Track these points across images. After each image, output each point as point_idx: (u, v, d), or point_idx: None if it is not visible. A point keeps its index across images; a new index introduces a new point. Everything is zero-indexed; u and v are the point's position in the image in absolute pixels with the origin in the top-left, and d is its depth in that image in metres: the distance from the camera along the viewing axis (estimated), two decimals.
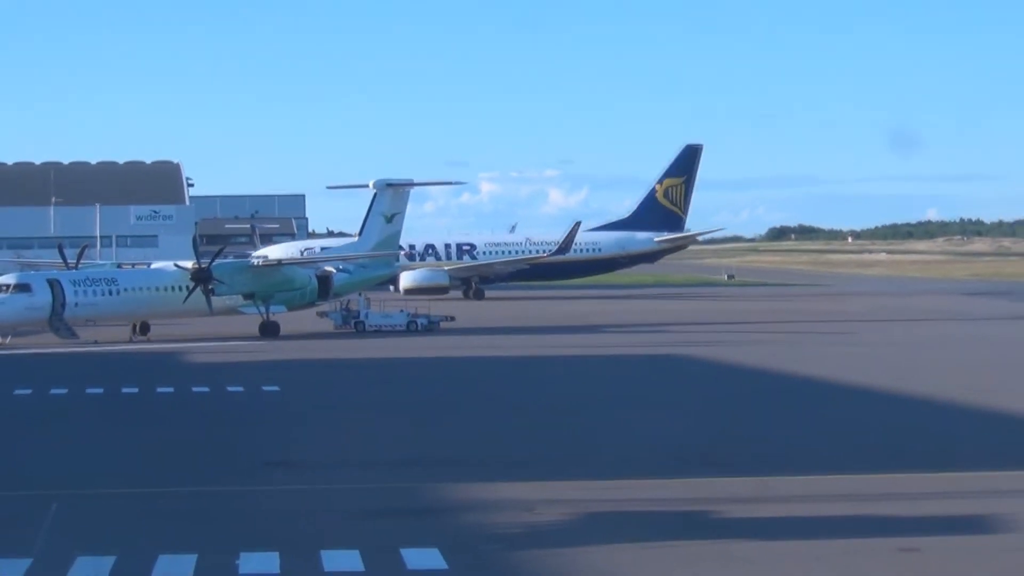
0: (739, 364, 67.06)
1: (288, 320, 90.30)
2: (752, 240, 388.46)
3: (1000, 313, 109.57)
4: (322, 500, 32.63)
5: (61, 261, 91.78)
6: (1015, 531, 28.09)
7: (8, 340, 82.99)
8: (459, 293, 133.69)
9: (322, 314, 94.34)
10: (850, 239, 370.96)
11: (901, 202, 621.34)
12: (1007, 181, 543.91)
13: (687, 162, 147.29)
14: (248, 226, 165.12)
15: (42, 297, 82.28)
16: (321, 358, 74.05)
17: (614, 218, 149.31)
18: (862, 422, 46.67)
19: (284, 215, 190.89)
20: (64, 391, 57.34)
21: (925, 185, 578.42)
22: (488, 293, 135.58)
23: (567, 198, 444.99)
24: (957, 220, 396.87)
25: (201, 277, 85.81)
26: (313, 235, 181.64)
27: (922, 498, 32.11)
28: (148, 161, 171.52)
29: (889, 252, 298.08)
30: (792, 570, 25.18)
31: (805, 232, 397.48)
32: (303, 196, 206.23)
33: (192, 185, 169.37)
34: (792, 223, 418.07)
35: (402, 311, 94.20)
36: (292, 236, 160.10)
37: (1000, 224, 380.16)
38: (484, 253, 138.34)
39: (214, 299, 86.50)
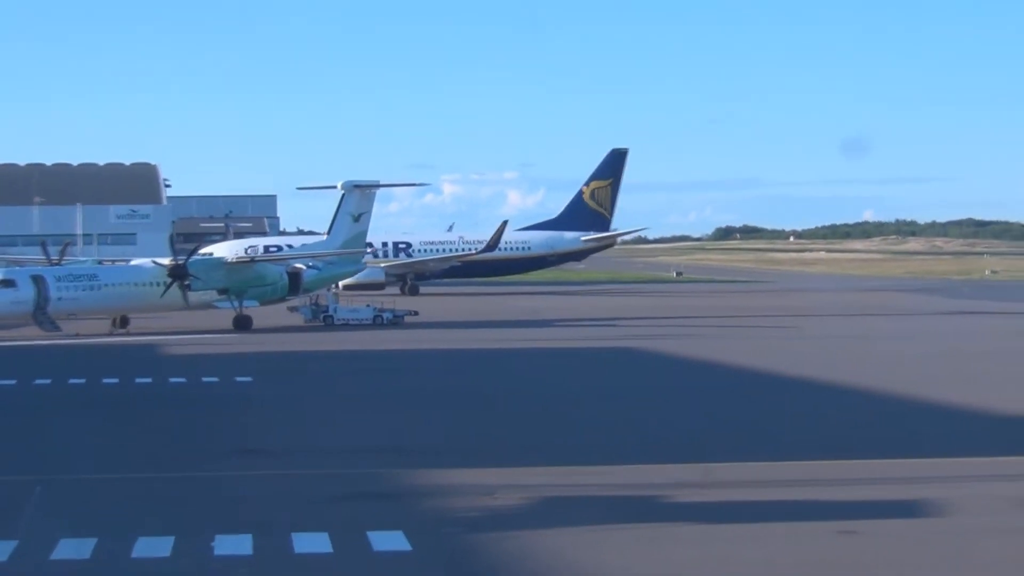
0: (688, 356, 67.21)
1: (260, 314, 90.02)
2: (700, 239, 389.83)
3: (933, 308, 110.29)
4: (293, 485, 32.57)
5: (44, 258, 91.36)
6: (946, 515, 28.26)
7: None
8: (396, 289, 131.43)
9: (292, 309, 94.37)
10: (792, 239, 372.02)
11: (840, 204, 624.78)
12: (941, 184, 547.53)
13: (613, 165, 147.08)
14: (223, 225, 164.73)
15: (26, 292, 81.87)
16: (292, 350, 73.93)
17: (544, 219, 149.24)
18: (804, 411, 46.82)
19: (257, 214, 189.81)
20: (47, 381, 57.04)
21: (863, 188, 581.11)
22: (422, 289, 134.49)
23: (525, 199, 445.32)
24: (893, 221, 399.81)
25: (178, 273, 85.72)
26: (284, 233, 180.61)
27: (860, 484, 32.29)
28: (127, 163, 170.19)
29: (828, 251, 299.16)
30: (739, 550, 25.28)
31: (749, 232, 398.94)
32: (275, 196, 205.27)
33: (169, 186, 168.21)
34: (738, 223, 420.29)
35: (368, 306, 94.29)
36: (264, 234, 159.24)
37: (933, 224, 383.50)
38: (419, 251, 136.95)
39: (190, 294, 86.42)
